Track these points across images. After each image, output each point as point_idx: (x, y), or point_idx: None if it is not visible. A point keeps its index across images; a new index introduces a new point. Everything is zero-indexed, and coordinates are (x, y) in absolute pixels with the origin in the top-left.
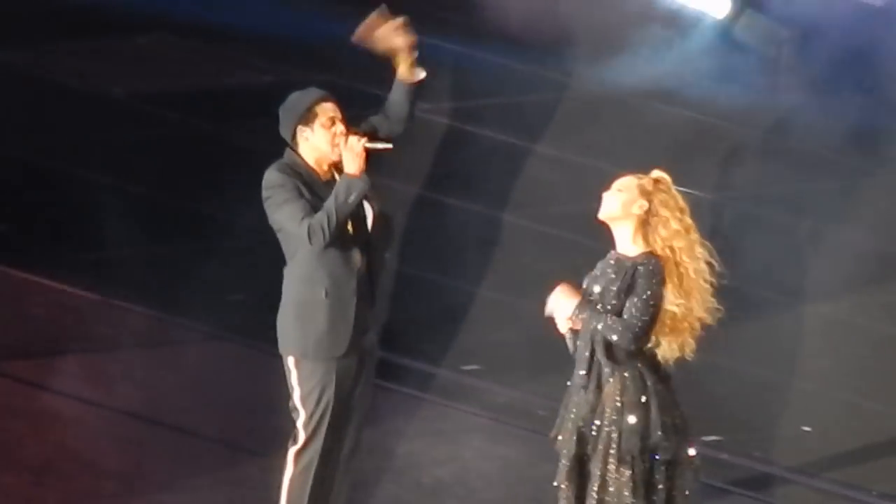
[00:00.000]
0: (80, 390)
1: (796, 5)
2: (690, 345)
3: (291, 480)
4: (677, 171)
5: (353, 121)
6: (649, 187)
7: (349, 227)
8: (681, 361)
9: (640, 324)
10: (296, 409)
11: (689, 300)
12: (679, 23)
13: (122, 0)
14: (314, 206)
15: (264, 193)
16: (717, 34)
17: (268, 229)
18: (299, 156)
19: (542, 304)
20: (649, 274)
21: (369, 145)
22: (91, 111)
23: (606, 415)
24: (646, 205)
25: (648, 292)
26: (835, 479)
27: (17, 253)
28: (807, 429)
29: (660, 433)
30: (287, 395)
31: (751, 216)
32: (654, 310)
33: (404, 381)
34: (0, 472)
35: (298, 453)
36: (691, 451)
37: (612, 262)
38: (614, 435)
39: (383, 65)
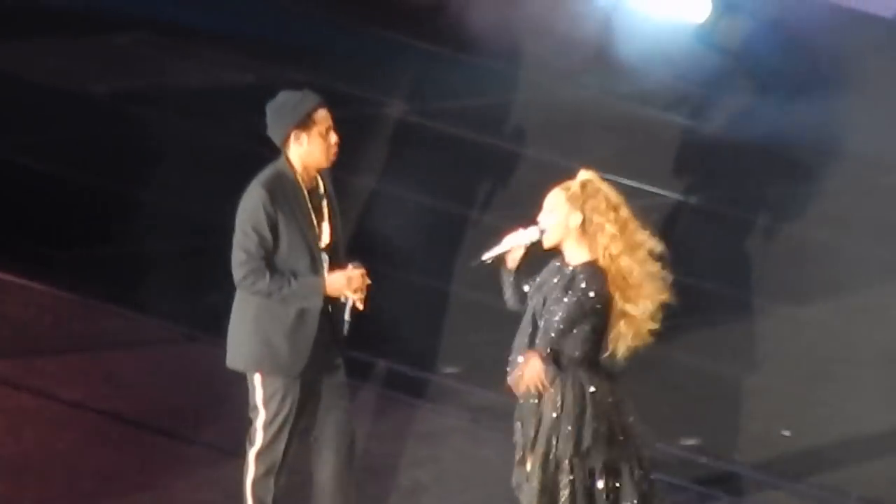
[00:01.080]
0: (58, 391)
1: (774, 8)
2: (647, 339)
3: (254, 483)
4: (654, 172)
5: (338, 122)
6: (579, 196)
7: (312, 242)
8: (663, 362)
9: (559, 326)
10: (256, 408)
11: (639, 298)
12: (658, 27)
13: (100, 1)
14: (288, 228)
15: (240, 207)
16: (695, 38)
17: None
18: (288, 160)
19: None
20: (582, 281)
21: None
22: (70, 110)
23: (545, 420)
24: (580, 215)
25: (574, 298)
26: (813, 483)
27: None
28: (786, 433)
29: (590, 441)
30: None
31: (725, 217)
32: (577, 315)
33: (384, 383)
34: None
35: (259, 455)
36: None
37: (555, 270)
38: (553, 440)
39: (364, 66)
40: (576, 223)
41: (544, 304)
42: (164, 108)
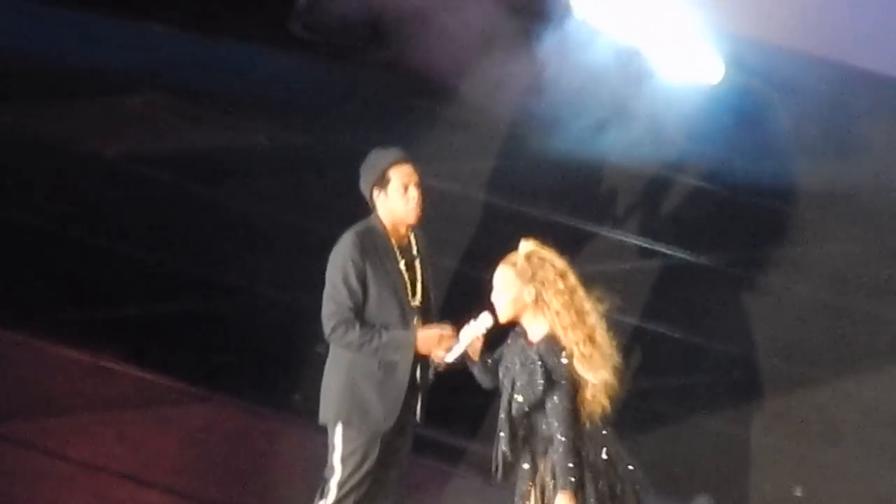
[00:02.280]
0: (70, 451)
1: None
2: (607, 404)
3: None
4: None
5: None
6: (527, 269)
7: (402, 296)
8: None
9: (567, 432)
10: (332, 468)
11: (592, 368)
12: (673, 87)
13: (113, 62)
14: (378, 281)
15: (330, 259)
16: (709, 99)
17: (255, 292)
18: (378, 218)
19: None
20: (557, 362)
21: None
22: (81, 172)
23: (547, 488)
24: (533, 290)
25: (558, 397)
26: None
27: (4, 312)
28: (798, 493)
29: (593, 498)
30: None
31: (735, 278)
32: (569, 404)
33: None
34: None
35: None
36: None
37: (517, 350)
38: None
39: (377, 121)
40: (530, 298)
41: (513, 386)
42: (174, 169)
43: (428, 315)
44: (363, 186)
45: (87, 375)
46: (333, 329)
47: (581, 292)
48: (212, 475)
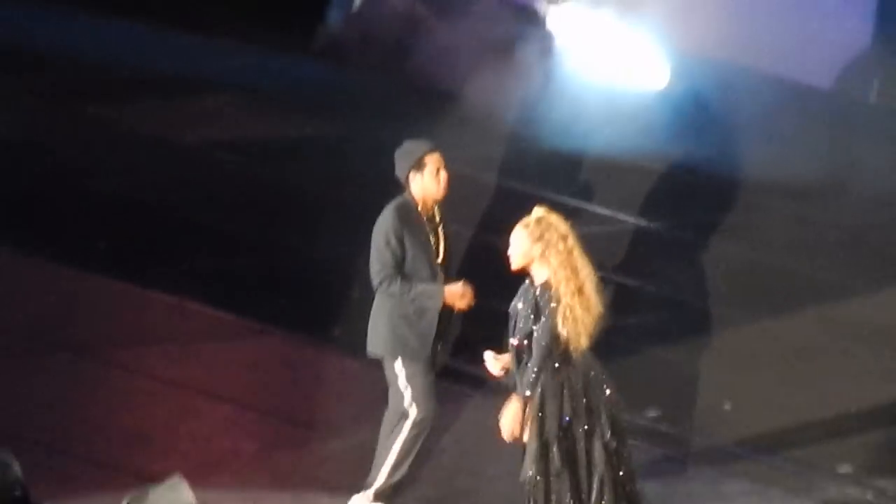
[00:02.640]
0: (159, 373)
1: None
2: (591, 335)
3: (404, 442)
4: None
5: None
6: (536, 232)
7: (431, 257)
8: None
9: (544, 345)
10: (403, 389)
11: (586, 307)
12: (628, 90)
13: (190, 69)
14: (412, 245)
15: (375, 227)
16: (657, 100)
17: (304, 249)
18: (411, 194)
19: None
20: (547, 303)
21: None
22: (168, 157)
23: (533, 404)
24: (539, 247)
25: (546, 320)
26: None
27: (111, 265)
28: (727, 407)
29: (570, 414)
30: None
31: (674, 239)
32: (554, 332)
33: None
34: (96, 440)
35: (417, 423)
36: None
37: (522, 293)
38: (542, 417)
39: (397, 117)
40: (537, 253)
41: (515, 323)
42: (241, 154)
43: (449, 271)
44: (400, 169)
45: (173, 314)
46: (380, 282)
47: (577, 252)
48: (269, 392)
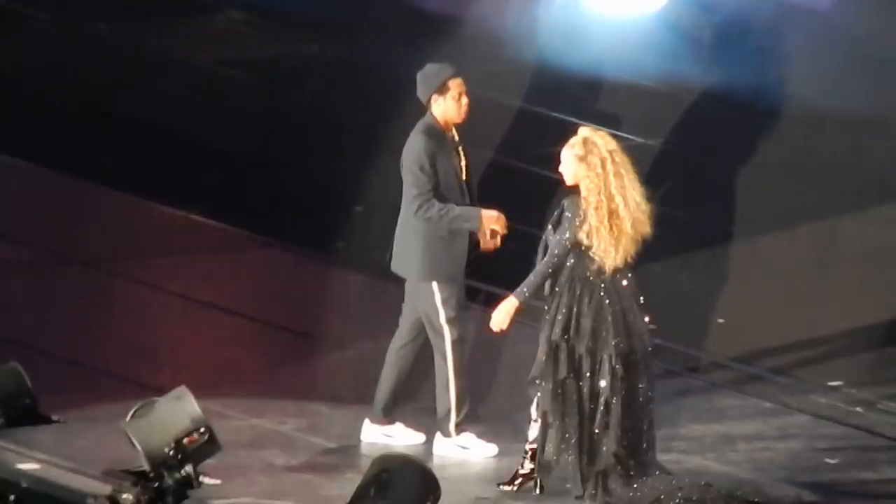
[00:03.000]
0: (168, 285)
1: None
2: (626, 258)
3: (455, 367)
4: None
5: None
6: (581, 152)
7: (459, 177)
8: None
9: (555, 251)
10: (437, 310)
11: (622, 225)
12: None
13: None
14: (443, 167)
15: (409, 157)
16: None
17: (309, 165)
18: (433, 117)
19: None
20: (568, 219)
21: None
22: (176, 75)
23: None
24: (583, 168)
25: (565, 226)
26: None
27: (121, 180)
28: (721, 321)
29: (574, 330)
30: None
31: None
32: (570, 238)
33: None
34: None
35: (454, 344)
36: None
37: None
38: (550, 325)
39: (400, 38)
40: (582, 173)
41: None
42: (248, 71)
43: (472, 193)
44: (423, 90)
45: (180, 228)
46: (419, 207)
47: (617, 174)
48: (274, 305)
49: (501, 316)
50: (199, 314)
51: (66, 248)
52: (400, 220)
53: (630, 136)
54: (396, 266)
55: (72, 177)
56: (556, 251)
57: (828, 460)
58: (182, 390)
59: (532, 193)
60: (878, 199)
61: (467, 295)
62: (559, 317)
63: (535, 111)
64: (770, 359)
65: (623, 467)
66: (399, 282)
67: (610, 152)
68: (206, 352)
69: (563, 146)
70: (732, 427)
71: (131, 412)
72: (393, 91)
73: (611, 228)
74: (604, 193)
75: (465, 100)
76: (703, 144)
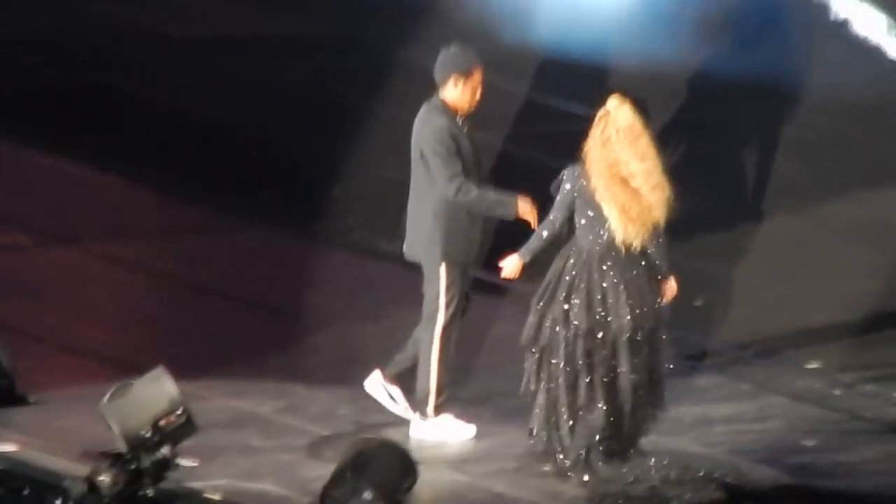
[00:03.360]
0: (152, 264)
1: None
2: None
3: (439, 353)
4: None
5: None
6: (600, 123)
7: (475, 161)
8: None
9: (549, 219)
10: (438, 294)
11: (634, 201)
12: None
13: None
14: (463, 149)
15: (433, 138)
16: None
17: (290, 144)
18: (442, 98)
19: None
20: (565, 177)
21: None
22: (156, 50)
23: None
24: (592, 137)
25: (559, 198)
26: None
27: (102, 157)
28: (698, 303)
29: (563, 303)
30: None
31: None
32: (559, 203)
33: None
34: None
35: (444, 329)
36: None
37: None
38: (543, 298)
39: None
40: (591, 142)
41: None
42: (233, 51)
43: (482, 174)
44: (445, 70)
45: (160, 206)
46: (457, 190)
47: (620, 151)
48: (254, 284)
49: (511, 267)
50: (176, 294)
51: (44, 227)
52: (415, 203)
53: None
54: (412, 249)
55: (51, 155)
56: (551, 215)
57: (806, 442)
58: (159, 371)
59: (511, 173)
60: (861, 181)
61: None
62: (549, 286)
63: (516, 92)
64: (749, 340)
65: (606, 447)
66: (379, 261)
67: (626, 127)
68: (184, 332)
69: (542, 126)
70: (711, 409)
71: (108, 393)
72: (378, 70)
73: (614, 203)
74: (607, 165)
75: (478, 94)
76: (685, 125)
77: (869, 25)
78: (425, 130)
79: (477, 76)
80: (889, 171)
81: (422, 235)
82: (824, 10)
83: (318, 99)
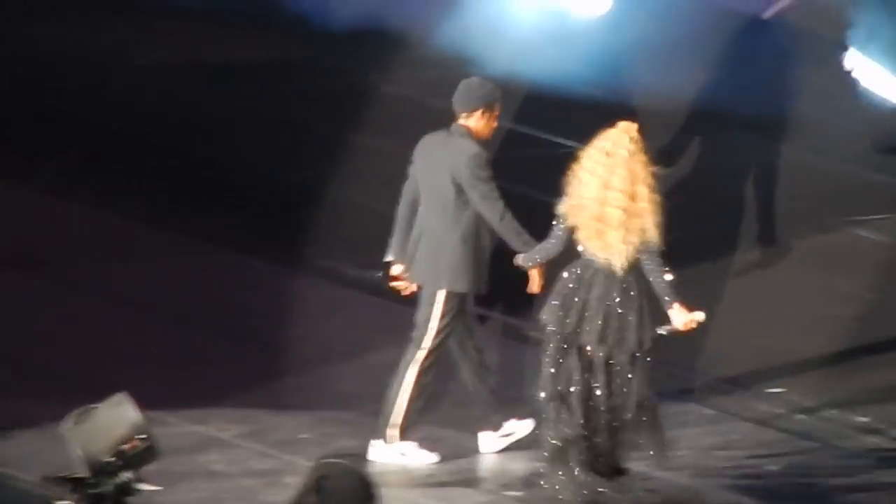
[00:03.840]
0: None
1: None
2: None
3: (421, 374)
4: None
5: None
6: (604, 149)
7: None
8: None
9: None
10: (430, 320)
11: (626, 228)
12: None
13: None
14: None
15: (473, 164)
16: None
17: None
18: (465, 126)
19: None
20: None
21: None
22: (120, 76)
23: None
24: (584, 159)
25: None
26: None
27: (64, 184)
28: (662, 331)
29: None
30: None
31: None
32: (558, 223)
33: None
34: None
35: (428, 355)
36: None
37: None
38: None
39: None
40: (584, 165)
41: None
42: (194, 76)
43: None
44: (470, 101)
45: (122, 233)
46: (502, 217)
47: (617, 182)
48: (216, 309)
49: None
50: (140, 320)
51: (6, 252)
52: (437, 229)
53: (569, 143)
54: (421, 276)
55: (11, 182)
56: (550, 233)
57: (769, 467)
58: (122, 396)
59: None
60: (823, 207)
61: None
62: (550, 300)
63: None
64: (712, 366)
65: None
66: (344, 287)
67: (613, 151)
68: (146, 357)
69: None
70: (674, 433)
71: (70, 418)
72: (343, 95)
73: (599, 225)
74: (594, 188)
75: (496, 124)
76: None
77: (849, 59)
78: (459, 157)
79: (498, 109)
80: (849, 197)
81: (440, 261)
82: (804, 39)
83: (287, 125)
